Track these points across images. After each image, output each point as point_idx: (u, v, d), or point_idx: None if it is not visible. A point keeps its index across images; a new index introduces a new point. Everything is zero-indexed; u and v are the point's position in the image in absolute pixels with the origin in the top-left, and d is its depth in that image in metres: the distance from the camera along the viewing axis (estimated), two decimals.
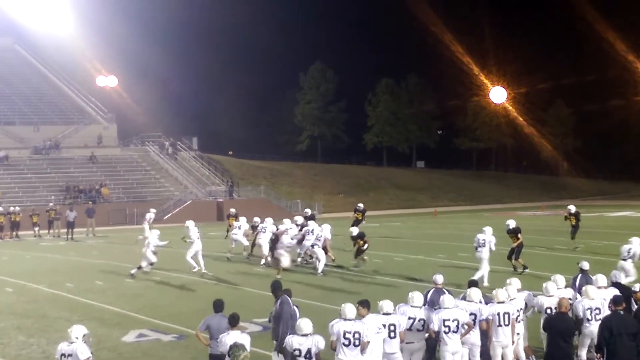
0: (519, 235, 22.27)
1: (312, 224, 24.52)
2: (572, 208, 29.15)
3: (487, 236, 20.34)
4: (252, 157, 77.60)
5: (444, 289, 12.52)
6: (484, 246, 20.18)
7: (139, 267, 23.33)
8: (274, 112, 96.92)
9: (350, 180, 73.13)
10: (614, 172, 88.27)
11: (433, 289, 12.58)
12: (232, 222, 30.37)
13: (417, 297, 11.51)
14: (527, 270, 21.52)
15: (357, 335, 10.18)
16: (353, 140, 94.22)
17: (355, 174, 76.52)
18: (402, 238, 34.68)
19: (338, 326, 10.24)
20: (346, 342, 10.17)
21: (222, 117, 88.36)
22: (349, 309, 10.37)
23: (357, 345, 10.18)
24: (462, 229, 39.82)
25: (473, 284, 12.58)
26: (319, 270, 23.06)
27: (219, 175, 60.29)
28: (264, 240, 25.24)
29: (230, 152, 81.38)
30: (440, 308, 11.33)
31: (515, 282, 12.62)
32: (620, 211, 50.86)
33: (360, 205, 36.63)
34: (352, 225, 35.03)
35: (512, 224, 22.43)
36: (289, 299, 11.67)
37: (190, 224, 23.83)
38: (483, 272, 19.92)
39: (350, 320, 10.28)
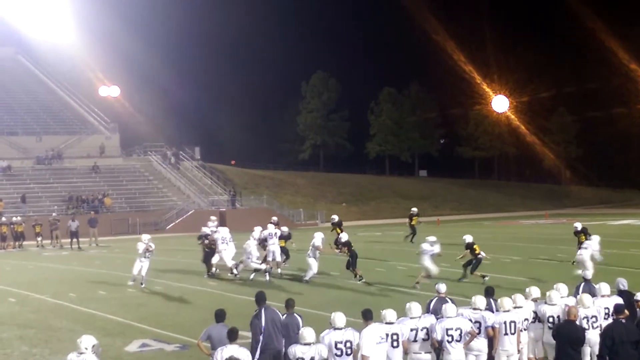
0: (475, 248, 22.32)
1: (271, 228, 24.64)
2: (579, 225, 26.83)
3: (592, 243, 22.65)
4: (255, 166, 77.63)
5: (446, 298, 12.46)
6: (586, 249, 22.12)
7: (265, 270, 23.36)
8: (276, 121, 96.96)
9: (352, 189, 73.10)
10: (617, 180, 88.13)
11: (436, 298, 12.52)
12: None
13: (414, 308, 11.34)
14: (465, 280, 21.84)
15: (348, 344, 10.09)
16: (355, 149, 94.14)
17: (357, 182, 76.48)
18: (405, 247, 34.60)
19: (329, 337, 10.14)
20: (338, 353, 10.07)
21: (224, 126, 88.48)
22: (339, 318, 10.28)
23: (350, 355, 10.10)
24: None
25: (489, 291, 12.52)
26: (306, 278, 23.05)
27: (221, 185, 60.32)
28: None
29: (233, 162, 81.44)
30: (443, 317, 11.29)
31: (534, 291, 12.58)
32: (623, 219, 50.72)
33: (414, 209, 36.48)
34: (412, 233, 35.17)
35: (468, 238, 22.67)
36: (263, 313, 11.26)
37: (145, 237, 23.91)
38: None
39: (340, 329, 10.20)
